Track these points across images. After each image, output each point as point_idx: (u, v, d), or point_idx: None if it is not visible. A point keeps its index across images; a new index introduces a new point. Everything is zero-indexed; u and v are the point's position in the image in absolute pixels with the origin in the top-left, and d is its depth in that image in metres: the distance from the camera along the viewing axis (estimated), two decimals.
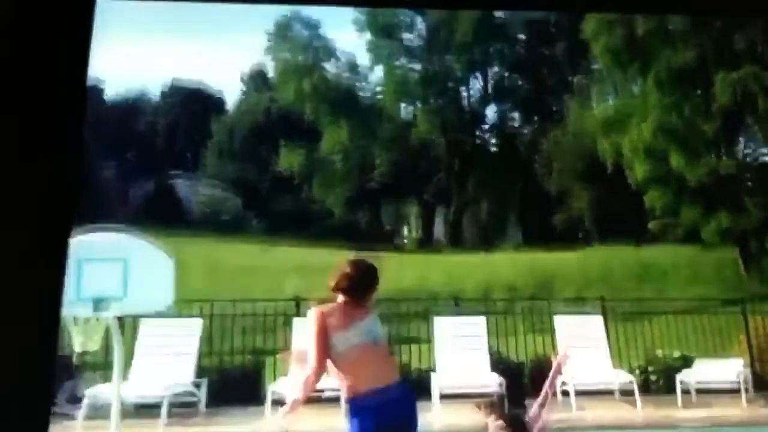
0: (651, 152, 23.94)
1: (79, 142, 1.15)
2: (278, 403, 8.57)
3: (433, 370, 9.91)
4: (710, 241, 22.58)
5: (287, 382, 8.49)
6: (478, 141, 41.68)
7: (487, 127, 42.71)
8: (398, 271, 20.11)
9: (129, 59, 50.16)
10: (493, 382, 9.44)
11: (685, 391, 9.61)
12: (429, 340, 10.66)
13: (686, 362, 10.35)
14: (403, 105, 41.29)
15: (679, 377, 9.67)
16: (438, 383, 9.36)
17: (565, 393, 9.51)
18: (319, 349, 3.50)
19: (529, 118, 42.86)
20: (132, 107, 51.15)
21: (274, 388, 8.80)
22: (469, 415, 8.91)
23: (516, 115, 43.37)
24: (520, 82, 42.12)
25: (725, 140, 25.55)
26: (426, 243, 36.51)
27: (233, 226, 36.16)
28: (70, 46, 1.13)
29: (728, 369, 9.85)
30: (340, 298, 3.70)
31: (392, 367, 3.70)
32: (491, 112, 42.48)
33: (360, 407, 3.49)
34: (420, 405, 8.92)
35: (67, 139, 1.12)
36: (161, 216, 31.36)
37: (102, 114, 45.55)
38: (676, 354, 10.88)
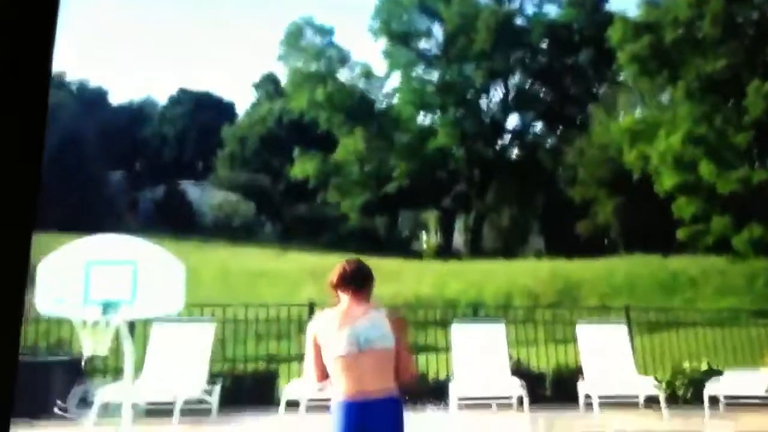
0: (680, 162, 23.73)
1: (40, 141, 1.11)
2: (292, 407, 8.66)
3: (452, 379, 9.91)
4: (741, 252, 22.35)
5: (301, 386, 8.57)
6: (498, 150, 41.56)
7: (508, 136, 42.55)
8: (417, 278, 20.18)
9: (137, 68, 50.71)
10: (512, 389, 9.44)
11: (713, 404, 9.57)
12: (447, 348, 10.66)
13: (714, 374, 10.28)
14: (420, 114, 41.22)
15: (707, 389, 9.61)
16: (456, 391, 9.35)
17: (589, 403, 9.50)
18: (314, 362, 3.76)
19: (551, 127, 42.61)
20: (141, 114, 51.48)
21: (288, 395, 8.83)
22: (487, 422, 8.96)
23: (538, 124, 43.22)
24: (542, 92, 41.91)
25: (758, 151, 25.32)
26: (445, 250, 36.39)
27: (246, 232, 36.30)
28: (30, 43, 1.10)
29: (758, 381, 9.78)
30: (341, 297, 3.85)
31: (376, 378, 3.60)
32: (512, 121, 42.32)
33: (338, 414, 3.61)
34: (438, 414, 9.02)
35: (27, 138, 1.09)
36: (172, 223, 31.61)
37: (110, 122, 45.93)
38: (704, 366, 10.82)
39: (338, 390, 3.62)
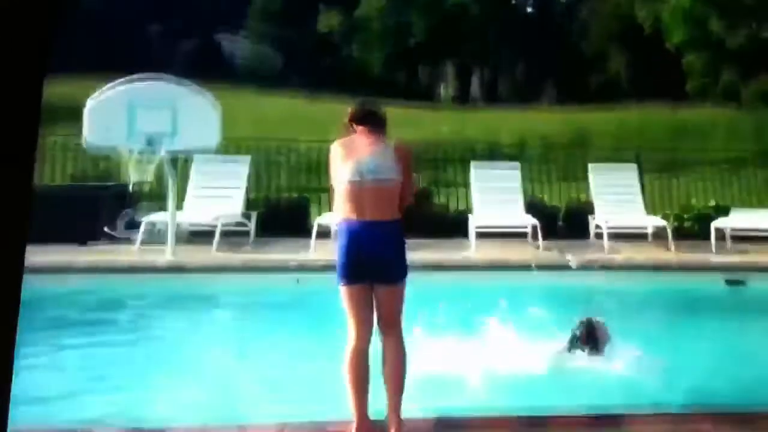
0: (690, 17, 22.83)
1: None
2: (324, 234, 8.59)
3: (470, 212, 9.81)
4: (750, 101, 21.74)
5: (332, 216, 8.46)
6: (513, 4, 40.08)
7: None
8: (435, 122, 19.75)
9: None
10: (527, 221, 9.36)
11: (720, 239, 9.37)
12: (466, 185, 10.48)
13: (721, 211, 10.05)
14: None
15: (714, 224, 9.39)
16: (474, 222, 9.26)
17: (599, 234, 9.37)
18: (331, 188, 3.90)
19: None
20: None
21: (320, 220, 8.78)
22: (503, 250, 8.90)
23: None
24: None
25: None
26: (462, 100, 35.91)
27: (275, 82, 35.76)
28: None
29: (764, 218, 9.55)
30: (358, 130, 3.86)
31: (374, 205, 3.58)
32: None
33: (340, 233, 3.68)
34: (459, 241, 8.93)
35: None
36: (205, 72, 30.94)
37: None
38: (712, 203, 10.59)
39: (342, 213, 3.66)
